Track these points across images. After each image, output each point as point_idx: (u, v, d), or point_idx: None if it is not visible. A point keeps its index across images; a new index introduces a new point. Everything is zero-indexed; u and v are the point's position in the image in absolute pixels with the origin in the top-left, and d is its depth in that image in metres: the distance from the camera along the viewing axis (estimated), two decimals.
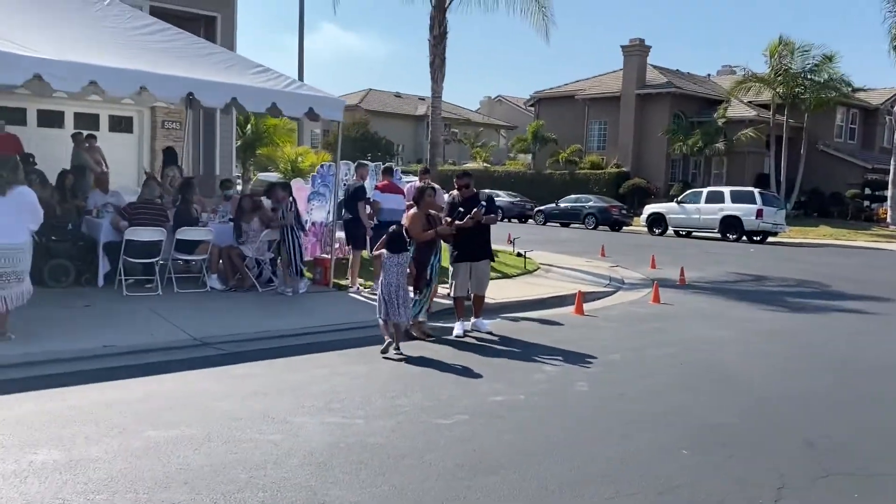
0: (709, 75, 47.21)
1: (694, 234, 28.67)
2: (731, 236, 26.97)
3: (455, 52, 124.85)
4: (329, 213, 12.14)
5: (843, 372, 7.48)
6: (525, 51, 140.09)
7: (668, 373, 7.11)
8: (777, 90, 35.32)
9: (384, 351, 7.31)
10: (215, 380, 6.22)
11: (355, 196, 11.19)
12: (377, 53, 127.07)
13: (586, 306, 11.31)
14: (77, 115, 14.52)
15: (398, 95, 60.19)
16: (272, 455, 4.52)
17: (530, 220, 34.61)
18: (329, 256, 11.25)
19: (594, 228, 31.56)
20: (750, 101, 38.14)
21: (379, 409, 5.51)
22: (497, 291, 11.70)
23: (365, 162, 12.37)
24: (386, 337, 7.45)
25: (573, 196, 33.87)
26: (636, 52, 39.16)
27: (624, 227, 31.91)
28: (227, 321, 8.54)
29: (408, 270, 7.83)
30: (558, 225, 33.14)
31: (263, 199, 10.68)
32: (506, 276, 13.67)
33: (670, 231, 29.11)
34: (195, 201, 10.71)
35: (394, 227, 8.01)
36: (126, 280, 9.52)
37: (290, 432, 4.93)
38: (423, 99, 61.71)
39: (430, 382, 6.36)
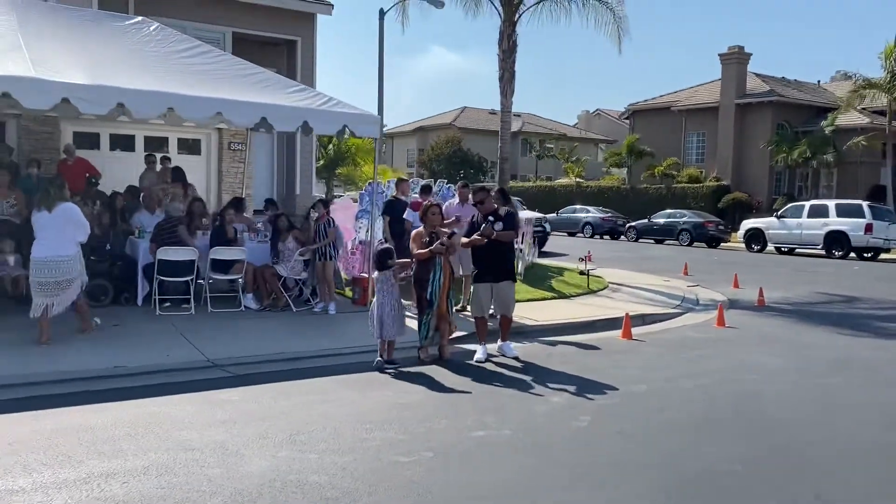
0: (819, 82, 44.45)
1: (797, 250, 26.82)
2: (836, 253, 25.03)
3: (552, 67, 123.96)
4: (367, 231, 11.99)
5: None
6: (623, 63, 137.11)
7: (690, 408, 6.40)
8: (894, 96, 32.72)
9: (377, 368, 7.30)
10: (194, 405, 6.03)
11: (384, 212, 11.06)
12: (482, 71, 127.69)
13: (644, 329, 10.71)
14: (147, 139, 15.01)
15: (493, 112, 59.88)
16: (199, 491, 4.25)
17: (623, 237, 33.52)
18: (368, 275, 11.04)
19: (689, 245, 30.15)
20: (863, 108, 35.55)
21: (343, 443, 5.15)
22: (543, 312, 11.18)
23: (404, 178, 12.12)
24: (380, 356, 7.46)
25: (667, 211, 32.50)
26: (735, 59, 37.35)
27: (721, 244, 30.34)
28: (247, 342, 8.44)
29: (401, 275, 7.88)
30: (652, 241, 31.86)
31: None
32: (562, 295, 13.07)
33: (771, 247, 27.38)
34: (238, 221, 10.78)
35: (381, 245, 8.16)
36: (161, 300, 9.63)
37: (234, 466, 4.65)
38: (519, 115, 61.43)
39: (415, 413, 5.95)
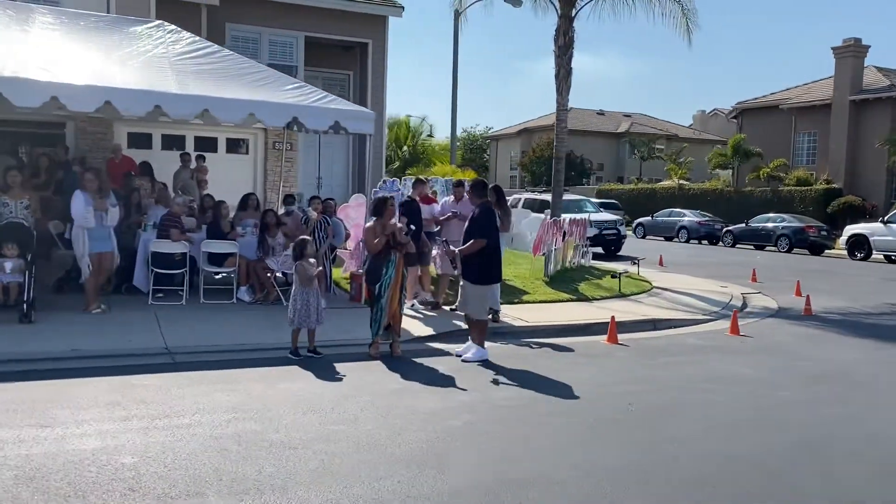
0: None
1: None
2: None
3: (666, 66, 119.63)
4: None
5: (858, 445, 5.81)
6: (740, 61, 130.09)
7: (584, 416, 5.93)
8: None
9: (293, 353, 7.64)
10: (98, 388, 6.21)
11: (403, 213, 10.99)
12: (615, 73, 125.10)
13: (643, 334, 10.34)
14: (197, 139, 15.72)
15: (601, 113, 58.80)
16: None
17: (721, 242, 31.83)
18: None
19: (788, 251, 28.22)
20: None
21: (189, 430, 5.18)
22: (541, 314, 10.82)
23: (422, 178, 12.07)
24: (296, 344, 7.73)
25: (765, 215, 30.57)
26: (850, 53, 34.61)
27: (825, 251, 28.21)
28: (215, 333, 8.66)
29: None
30: (752, 247, 30.05)
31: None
32: (583, 298, 12.57)
33: (879, 256, 25.17)
34: (248, 217, 11.11)
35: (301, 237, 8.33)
36: (156, 290, 10.04)
37: (63, 445, 4.77)
38: (629, 115, 59.87)
39: (296, 406, 5.89)
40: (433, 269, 11.18)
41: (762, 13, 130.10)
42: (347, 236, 11.52)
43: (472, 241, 8.03)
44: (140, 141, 15.17)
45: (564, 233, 15.35)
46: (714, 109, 62.64)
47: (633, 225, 36.41)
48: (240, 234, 10.75)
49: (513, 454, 4.96)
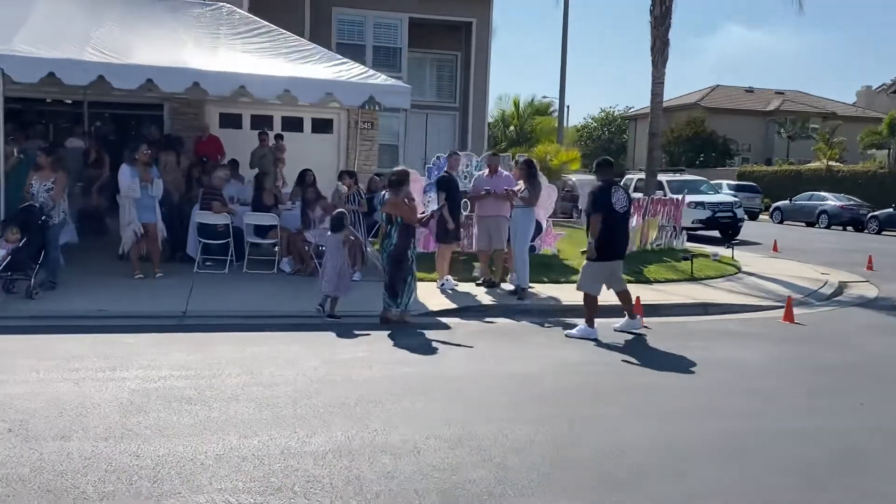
0: None
1: None
2: None
3: (828, 39, 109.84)
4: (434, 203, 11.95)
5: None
6: None
7: (499, 390, 5.64)
8: None
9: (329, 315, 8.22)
10: (83, 344, 6.65)
11: (440, 188, 10.91)
12: (788, 48, 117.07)
13: (681, 319, 9.70)
14: (284, 119, 16.35)
15: (749, 90, 55.23)
16: None
17: (866, 229, 29.05)
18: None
19: None
20: None
21: (130, 381, 5.49)
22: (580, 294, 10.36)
23: (458, 152, 11.85)
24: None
25: None
26: None
27: None
28: (238, 299, 9.05)
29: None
30: None
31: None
32: (643, 280, 11.90)
33: None
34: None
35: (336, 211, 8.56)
36: (204, 259, 10.61)
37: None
38: (782, 93, 55.82)
39: (249, 367, 6.05)
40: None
41: None
42: None
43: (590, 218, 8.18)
44: (231, 121, 15.99)
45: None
46: (882, 85, 57.02)
47: (771, 209, 34.06)
48: (287, 208, 11.12)
49: (381, 425, 4.83)
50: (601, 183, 8.39)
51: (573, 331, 8.11)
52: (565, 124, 63.18)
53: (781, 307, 10.76)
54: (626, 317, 8.47)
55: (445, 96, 25.72)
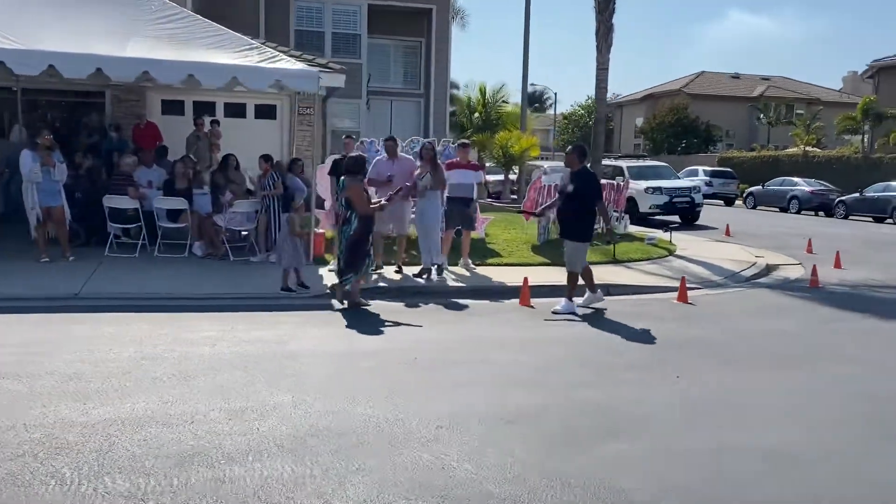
0: None
1: None
2: None
3: (817, 24, 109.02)
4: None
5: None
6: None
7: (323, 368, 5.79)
8: None
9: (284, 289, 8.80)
10: None
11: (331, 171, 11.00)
12: (791, 35, 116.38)
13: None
14: (227, 105, 16.45)
15: (735, 76, 55.08)
16: None
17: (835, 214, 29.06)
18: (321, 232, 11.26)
19: None
20: None
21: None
22: (495, 275, 10.50)
23: (352, 136, 11.93)
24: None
25: (883, 184, 27.52)
26: None
27: None
28: (138, 282, 9.14)
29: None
30: (870, 219, 27.21)
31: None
32: (558, 263, 11.91)
33: None
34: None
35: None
36: (117, 241, 10.76)
37: None
38: (768, 79, 55.67)
39: (86, 345, 6.20)
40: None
41: None
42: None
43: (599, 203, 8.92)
44: (173, 108, 16.10)
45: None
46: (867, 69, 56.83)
47: (744, 195, 34.09)
48: (202, 192, 11.24)
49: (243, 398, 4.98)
50: (583, 170, 8.85)
51: (559, 306, 8.48)
52: (556, 112, 63.23)
53: (691, 289, 10.95)
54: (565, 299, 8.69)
55: (411, 83, 25.77)
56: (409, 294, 9.28)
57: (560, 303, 8.57)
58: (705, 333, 7.63)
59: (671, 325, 7.99)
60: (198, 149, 14.21)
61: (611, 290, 10.49)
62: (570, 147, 9.76)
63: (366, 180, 10.64)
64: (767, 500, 3.66)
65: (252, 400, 4.88)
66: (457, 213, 10.57)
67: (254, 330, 7.02)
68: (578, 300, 8.80)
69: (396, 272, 10.25)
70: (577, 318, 8.22)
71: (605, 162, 26.58)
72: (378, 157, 10.81)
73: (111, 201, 10.51)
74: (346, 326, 7.37)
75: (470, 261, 10.91)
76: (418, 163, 10.37)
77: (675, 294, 10.07)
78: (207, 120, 14.79)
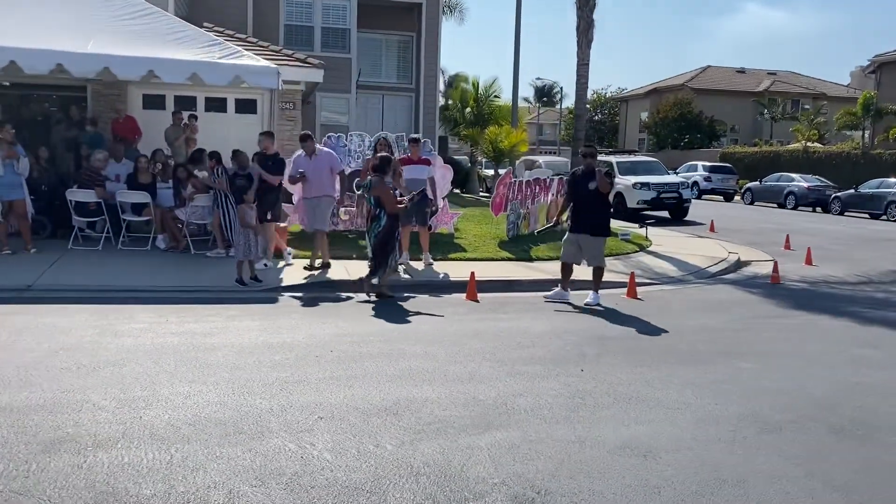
0: None
1: None
2: None
3: (828, 19, 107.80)
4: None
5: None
6: None
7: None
8: None
9: (239, 281, 9.03)
10: None
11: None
12: (805, 28, 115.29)
13: (527, 295, 9.82)
14: (208, 99, 16.61)
15: (741, 71, 54.80)
16: None
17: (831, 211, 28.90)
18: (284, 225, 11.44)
19: None
20: None
21: None
22: (452, 270, 10.62)
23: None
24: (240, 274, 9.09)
25: (877, 180, 27.38)
26: None
27: None
28: (94, 275, 9.34)
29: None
30: (866, 216, 27.07)
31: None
32: (524, 258, 12.15)
33: None
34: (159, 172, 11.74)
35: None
36: (82, 234, 10.99)
37: None
38: (774, 73, 55.29)
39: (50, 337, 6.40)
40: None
41: None
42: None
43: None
44: (154, 102, 16.29)
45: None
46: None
47: (742, 190, 34.00)
48: (167, 186, 11.42)
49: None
50: (589, 167, 9.24)
51: (590, 299, 9.04)
52: (562, 106, 62.95)
53: (650, 284, 11.05)
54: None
55: (403, 77, 25.88)
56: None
57: (590, 295, 9.14)
58: (634, 329, 7.71)
59: (603, 321, 8.10)
60: (175, 143, 14.42)
61: (573, 283, 10.61)
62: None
63: (286, 178, 10.70)
64: (611, 490, 3.77)
65: (148, 390, 5.04)
66: (411, 209, 10.68)
67: (187, 322, 7.20)
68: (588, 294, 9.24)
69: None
70: (601, 307, 8.84)
71: (601, 158, 26.73)
72: (296, 155, 10.80)
73: (75, 195, 10.72)
74: (279, 320, 7.53)
75: (430, 256, 11.02)
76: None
77: (641, 290, 10.19)
78: (185, 115, 14.99)
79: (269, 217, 10.06)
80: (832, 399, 5.46)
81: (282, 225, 11.41)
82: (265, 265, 9.89)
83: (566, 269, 9.48)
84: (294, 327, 7.18)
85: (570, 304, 9.08)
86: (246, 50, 12.31)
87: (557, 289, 9.45)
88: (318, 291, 9.15)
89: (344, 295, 9.03)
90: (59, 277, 9.15)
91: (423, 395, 5.12)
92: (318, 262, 10.12)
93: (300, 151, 10.57)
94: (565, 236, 9.62)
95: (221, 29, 17.02)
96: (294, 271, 10.09)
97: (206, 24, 17.06)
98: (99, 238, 11.06)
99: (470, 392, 5.24)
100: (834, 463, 4.28)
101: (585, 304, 8.94)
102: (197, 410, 4.69)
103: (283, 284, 9.41)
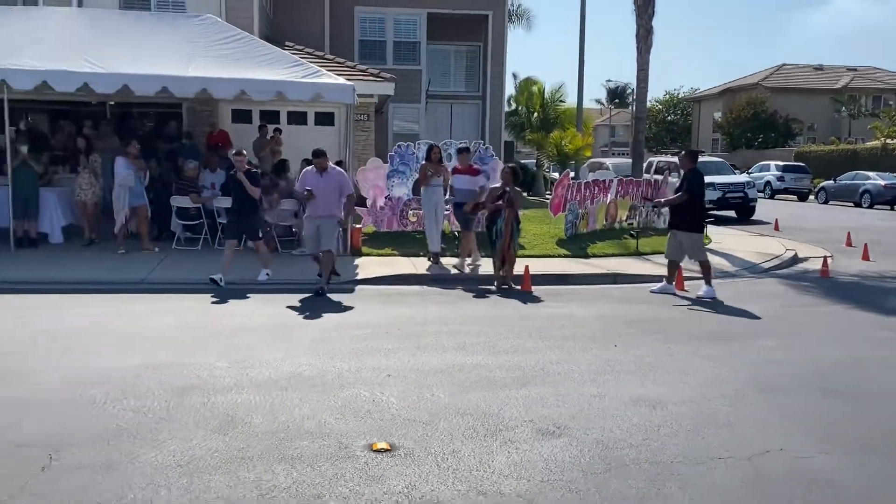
0: None
1: None
2: None
3: None
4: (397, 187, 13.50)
5: None
6: None
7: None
8: None
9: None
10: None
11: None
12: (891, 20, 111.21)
13: (586, 287, 10.72)
14: (290, 113, 18.09)
15: (819, 68, 53.68)
16: None
17: None
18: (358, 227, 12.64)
19: None
20: None
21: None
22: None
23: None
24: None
25: None
26: None
27: None
28: (196, 270, 10.58)
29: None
30: None
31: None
32: (580, 255, 12.94)
33: None
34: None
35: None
36: (185, 236, 12.48)
37: None
38: (854, 69, 53.94)
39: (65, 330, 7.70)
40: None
41: None
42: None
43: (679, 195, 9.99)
44: (242, 116, 17.86)
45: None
46: None
47: (816, 190, 33.65)
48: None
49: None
50: (694, 170, 10.03)
51: (701, 293, 9.77)
52: (633, 107, 62.89)
53: (691, 279, 11.71)
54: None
55: (471, 86, 26.96)
56: (439, 281, 10.51)
57: (702, 288, 9.90)
58: (673, 315, 8.50)
59: (645, 308, 8.90)
60: (261, 153, 15.89)
61: (617, 279, 11.42)
62: (682, 152, 11.44)
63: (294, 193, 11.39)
64: (619, 427, 4.68)
65: (252, 356, 6.21)
66: (460, 216, 11.53)
67: (277, 307, 8.40)
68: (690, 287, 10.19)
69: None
70: (711, 300, 9.52)
71: (659, 158, 27.13)
72: (307, 170, 10.36)
73: (178, 201, 12.19)
74: (354, 305, 8.65)
75: (468, 260, 11.34)
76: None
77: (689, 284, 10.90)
78: (270, 128, 16.44)
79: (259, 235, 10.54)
80: (836, 370, 6.19)
81: (356, 226, 12.61)
82: (266, 275, 10.28)
83: (671, 265, 10.32)
84: (367, 311, 8.29)
85: (675, 294, 9.95)
86: (324, 67, 13.63)
87: (663, 282, 10.34)
88: (388, 284, 10.25)
89: (409, 287, 10.13)
90: (166, 273, 10.54)
91: (473, 362, 6.12)
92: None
93: (310, 167, 10.15)
94: (701, 236, 10.43)
95: (301, 48, 18.47)
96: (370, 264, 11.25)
97: (287, 43, 18.53)
98: (198, 239, 12.48)
99: (514, 360, 6.21)
100: (815, 414, 5.07)
101: (697, 297, 9.73)
102: (290, 369, 5.82)
103: (359, 277, 10.55)
